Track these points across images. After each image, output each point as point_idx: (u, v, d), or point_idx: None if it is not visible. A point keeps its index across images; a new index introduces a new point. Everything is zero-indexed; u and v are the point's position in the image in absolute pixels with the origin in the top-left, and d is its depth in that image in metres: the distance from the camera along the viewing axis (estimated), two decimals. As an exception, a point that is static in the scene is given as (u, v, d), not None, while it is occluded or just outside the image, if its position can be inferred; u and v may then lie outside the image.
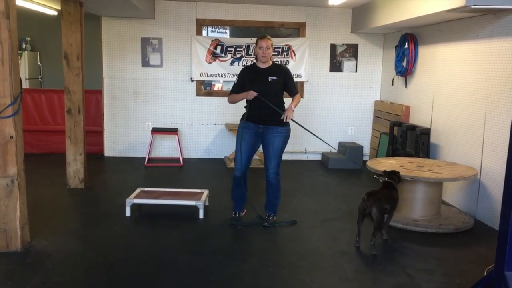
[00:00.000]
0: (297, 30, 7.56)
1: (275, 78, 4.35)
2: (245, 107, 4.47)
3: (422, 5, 4.96)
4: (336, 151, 5.16)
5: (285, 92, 4.49)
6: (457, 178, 4.42)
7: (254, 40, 7.24)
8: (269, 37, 4.34)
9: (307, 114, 7.63)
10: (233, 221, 4.50)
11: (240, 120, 4.50)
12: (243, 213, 4.64)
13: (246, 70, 4.56)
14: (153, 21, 7.27)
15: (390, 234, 4.30)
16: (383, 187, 4.19)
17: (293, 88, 4.47)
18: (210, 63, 7.35)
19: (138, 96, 7.45)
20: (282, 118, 4.26)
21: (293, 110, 4.30)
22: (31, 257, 3.64)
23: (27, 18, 8.40)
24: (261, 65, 4.41)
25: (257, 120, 4.37)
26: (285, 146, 4.45)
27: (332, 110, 7.70)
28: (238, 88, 4.45)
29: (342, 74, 7.63)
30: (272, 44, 4.34)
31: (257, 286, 3.28)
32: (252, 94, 4.27)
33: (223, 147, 7.60)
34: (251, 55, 7.35)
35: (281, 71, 4.43)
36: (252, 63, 4.66)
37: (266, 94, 4.30)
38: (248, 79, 4.41)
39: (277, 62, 4.72)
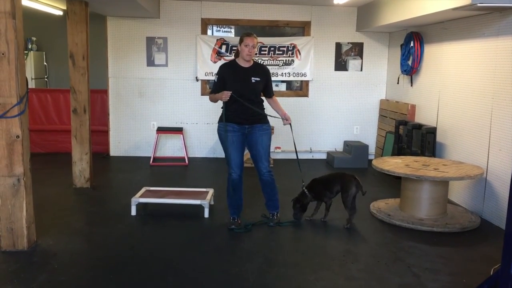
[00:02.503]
0: (302, 29, 7.55)
1: (258, 79, 4.25)
2: (222, 107, 4.28)
3: (427, 3, 4.94)
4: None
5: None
6: (463, 177, 4.40)
7: (259, 39, 7.31)
8: (255, 35, 4.20)
9: (312, 113, 7.63)
10: (232, 226, 4.34)
11: (219, 121, 4.33)
12: (239, 221, 4.43)
13: (226, 68, 4.33)
14: (158, 21, 7.29)
15: (396, 233, 4.32)
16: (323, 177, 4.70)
17: (271, 89, 4.44)
18: (215, 62, 7.35)
19: (143, 96, 7.47)
20: (285, 123, 4.38)
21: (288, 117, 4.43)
22: (37, 256, 3.66)
23: (33, 18, 8.44)
24: (243, 64, 4.27)
25: (242, 120, 4.25)
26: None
27: (337, 109, 7.68)
28: (219, 87, 4.25)
29: (347, 73, 7.62)
30: (257, 43, 4.22)
31: (262, 285, 3.27)
32: (226, 94, 4.10)
33: (228, 146, 7.58)
34: (256, 54, 7.34)
35: (264, 72, 4.34)
36: (231, 60, 4.45)
37: (248, 94, 4.21)
38: (230, 77, 4.23)
39: (257, 61, 4.60)
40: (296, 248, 3.97)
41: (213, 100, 4.37)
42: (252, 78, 4.23)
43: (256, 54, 7.25)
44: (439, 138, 5.70)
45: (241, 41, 4.19)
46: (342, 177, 4.50)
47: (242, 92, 4.17)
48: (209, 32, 7.51)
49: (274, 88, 4.93)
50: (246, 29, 7.68)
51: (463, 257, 3.83)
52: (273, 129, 4.45)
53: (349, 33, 7.51)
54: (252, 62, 4.30)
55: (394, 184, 5.82)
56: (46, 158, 7.28)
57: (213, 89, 4.35)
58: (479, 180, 4.87)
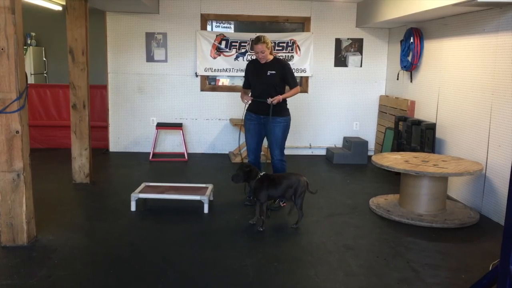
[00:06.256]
0: (302, 24, 7.54)
1: (273, 72, 4.67)
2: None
3: (427, -1, 4.93)
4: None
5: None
6: (462, 173, 4.40)
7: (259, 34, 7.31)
8: (262, 40, 4.57)
9: (312, 109, 7.63)
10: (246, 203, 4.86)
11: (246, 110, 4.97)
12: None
13: (250, 64, 4.93)
14: (157, 16, 7.27)
15: (395, 229, 4.33)
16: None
17: (291, 81, 4.76)
18: (214, 58, 7.35)
19: (142, 91, 7.46)
20: (268, 101, 4.60)
21: (281, 98, 4.62)
22: (37, 251, 3.67)
23: (32, 13, 8.43)
24: (262, 61, 4.73)
25: (258, 111, 4.76)
26: (287, 134, 4.82)
27: (337, 105, 7.68)
28: (245, 81, 4.93)
29: (347, 69, 7.61)
30: (267, 46, 4.59)
31: (262, 280, 3.28)
32: (247, 99, 4.74)
33: (228, 142, 7.60)
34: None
35: (279, 66, 4.70)
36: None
37: (264, 86, 4.70)
38: (251, 72, 4.82)
39: (279, 57, 4.90)
40: (295, 243, 3.98)
41: (242, 97, 4.88)
42: (268, 71, 4.68)
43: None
44: (438, 134, 5.70)
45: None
46: (295, 177, 4.29)
47: (258, 84, 4.72)
48: (208, 27, 7.50)
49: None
50: (246, 25, 7.69)
51: (462, 252, 3.84)
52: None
53: (349, 29, 7.50)
54: (271, 58, 4.71)
55: (393, 180, 5.82)
56: (46, 154, 7.28)
57: (243, 82, 5.00)
58: (478, 176, 4.88)
